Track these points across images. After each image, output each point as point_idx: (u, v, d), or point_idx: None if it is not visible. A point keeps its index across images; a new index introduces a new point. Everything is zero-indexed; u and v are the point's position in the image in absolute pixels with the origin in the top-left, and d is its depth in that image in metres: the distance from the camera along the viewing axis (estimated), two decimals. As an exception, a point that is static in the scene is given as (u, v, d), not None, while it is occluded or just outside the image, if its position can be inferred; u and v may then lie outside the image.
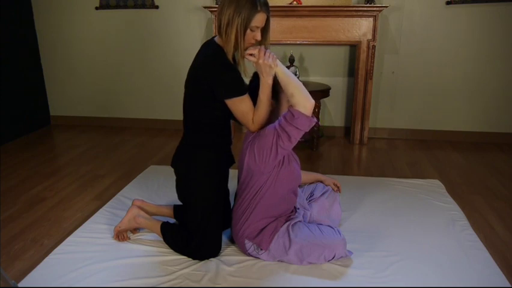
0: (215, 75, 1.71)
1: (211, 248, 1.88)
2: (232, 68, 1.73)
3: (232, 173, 2.01)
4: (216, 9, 3.43)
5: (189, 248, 1.87)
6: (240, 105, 1.73)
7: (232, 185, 2.06)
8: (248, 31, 1.66)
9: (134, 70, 4.04)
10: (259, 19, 1.65)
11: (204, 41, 1.91)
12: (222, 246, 1.93)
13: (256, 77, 1.81)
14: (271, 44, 3.70)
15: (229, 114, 1.81)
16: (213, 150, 1.87)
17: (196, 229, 1.85)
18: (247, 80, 1.83)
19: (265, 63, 1.63)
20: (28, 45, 4.02)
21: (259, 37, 1.69)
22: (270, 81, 1.67)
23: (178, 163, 1.92)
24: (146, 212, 2.09)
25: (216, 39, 1.77)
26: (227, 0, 1.65)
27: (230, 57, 1.71)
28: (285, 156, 1.74)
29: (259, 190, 1.76)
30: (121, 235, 2.03)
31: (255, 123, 1.75)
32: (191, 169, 1.85)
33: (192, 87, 1.81)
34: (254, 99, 1.77)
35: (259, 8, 1.63)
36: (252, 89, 1.78)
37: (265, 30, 1.73)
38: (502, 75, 3.51)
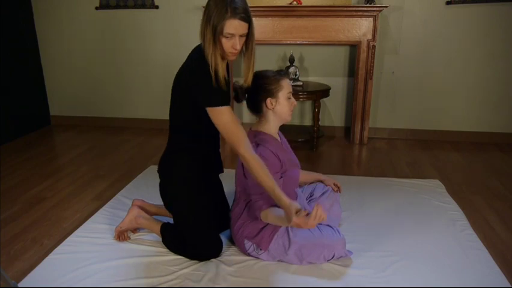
0: (197, 81, 1.66)
1: (207, 251, 1.86)
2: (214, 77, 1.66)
3: (232, 172, 2.00)
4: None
5: (186, 252, 1.87)
6: (219, 117, 1.65)
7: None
8: (223, 39, 1.59)
9: (134, 70, 4.03)
10: (231, 26, 1.56)
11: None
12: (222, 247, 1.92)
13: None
14: (271, 44, 3.73)
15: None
16: (191, 156, 1.84)
17: (187, 234, 1.85)
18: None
19: (309, 225, 1.48)
20: (28, 45, 4.02)
21: (237, 45, 1.60)
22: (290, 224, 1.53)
23: (160, 168, 1.91)
24: (147, 211, 2.09)
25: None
26: (203, 13, 1.61)
27: (214, 70, 1.62)
28: (283, 165, 1.75)
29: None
30: (121, 235, 2.03)
31: (244, 156, 1.62)
32: (170, 175, 1.85)
33: (175, 91, 1.79)
34: (253, 100, 1.78)
35: (229, 14, 1.55)
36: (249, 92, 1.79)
37: (247, 39, 1.65)
38: (502, 75, 3.51)
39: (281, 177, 1.74)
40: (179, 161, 1.85)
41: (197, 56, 1.69)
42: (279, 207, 1.63)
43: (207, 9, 1.59)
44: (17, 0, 3.84)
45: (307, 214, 1.47)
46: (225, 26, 1.57)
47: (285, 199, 1.55)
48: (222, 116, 1.65)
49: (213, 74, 1.62)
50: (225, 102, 1.66)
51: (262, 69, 1.83)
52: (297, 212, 1.48)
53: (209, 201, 1.93)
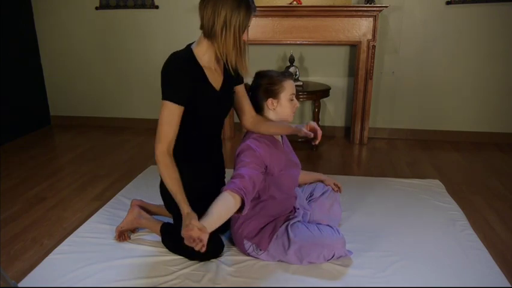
0: (162, 72, 1.65)
1: (206, 252, 1.85)
2: (182, 73, 1.62)
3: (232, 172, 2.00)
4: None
5: (186, 252, 1.86)
6: (161, 109, 1.63)
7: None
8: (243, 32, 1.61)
9: (134, 70, 4.03)
10: (252, 19, 1.62)
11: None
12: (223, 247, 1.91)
13: (257, 77, 1.82)
14: (271, 44, 3.71)
15: (202, 126, 1.74)
16: (185, 164, 1.78)
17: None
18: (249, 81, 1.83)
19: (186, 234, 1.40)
20: (28, 45, 4.02)
21: (246, 37, 1.64)
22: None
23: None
24: (148, 211, 2.09)
25: (193, 46, 1.70)
26: (217, 1, 1.55)
27: (226, 59, 1.62)
28: (282, 164, 1.75)
29: None
30: (122, 235, 2.03)
31: (157, 155, 1.63)
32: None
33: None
34: (255, 100, 1.79)
35: (254, 7, 1.60)
36: (252, 90, 1.80)
37: None
38: (502, 75, 3.51)
39: (261, 172, 1.69)
40: (179, 160, 1.84)
41: (179, 52, 1.69)
42: (243, 194, 1.56)
43: (229, 3, 1.54)
44: (17, 0, 3.84)
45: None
46: (250, 19, 1.60)
47: (184, 206, 1.56)
48: (164, 110, 1.64)
49: (235, 63, 1.62)
50: (178, 100, 1.62)
51: (267, 69, 1.83)
52: (188, 225, 1.42)
53: (208, 202, 1.92)
